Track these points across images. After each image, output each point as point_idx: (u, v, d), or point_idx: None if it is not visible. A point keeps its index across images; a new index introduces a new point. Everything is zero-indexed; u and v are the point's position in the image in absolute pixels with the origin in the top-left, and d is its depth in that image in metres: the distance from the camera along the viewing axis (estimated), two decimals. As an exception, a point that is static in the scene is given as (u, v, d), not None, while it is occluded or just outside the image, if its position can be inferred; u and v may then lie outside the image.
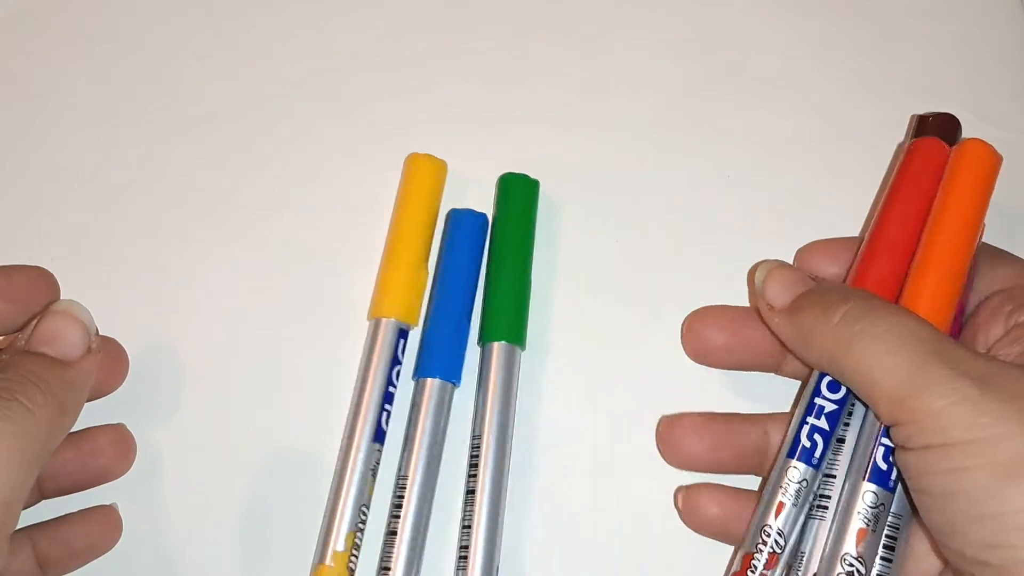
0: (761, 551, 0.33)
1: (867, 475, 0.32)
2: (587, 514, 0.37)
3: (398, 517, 0.35)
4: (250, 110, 0.43)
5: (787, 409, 0.37)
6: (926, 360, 0.30)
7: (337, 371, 0.38)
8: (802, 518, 0.33)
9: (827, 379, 0.34)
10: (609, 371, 0.39)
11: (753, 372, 0.38)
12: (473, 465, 0.36)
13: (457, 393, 0.38)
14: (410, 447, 0.36)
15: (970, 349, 0.31)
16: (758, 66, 0.43)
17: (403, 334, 0.38)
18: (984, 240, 0.36)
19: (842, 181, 0.41)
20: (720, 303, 0.38)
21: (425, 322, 0.38)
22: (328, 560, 0.35)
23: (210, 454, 0.38)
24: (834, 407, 0.34)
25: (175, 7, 0.45)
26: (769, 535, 0.33)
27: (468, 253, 0.39)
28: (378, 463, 0.36)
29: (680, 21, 0.44)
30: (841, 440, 0.34)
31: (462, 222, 0.39)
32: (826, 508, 0.33)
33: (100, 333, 0.34)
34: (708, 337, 0.37)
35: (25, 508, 0.31)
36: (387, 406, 0.37)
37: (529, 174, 0.40)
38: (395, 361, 0.37)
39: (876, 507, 0.32)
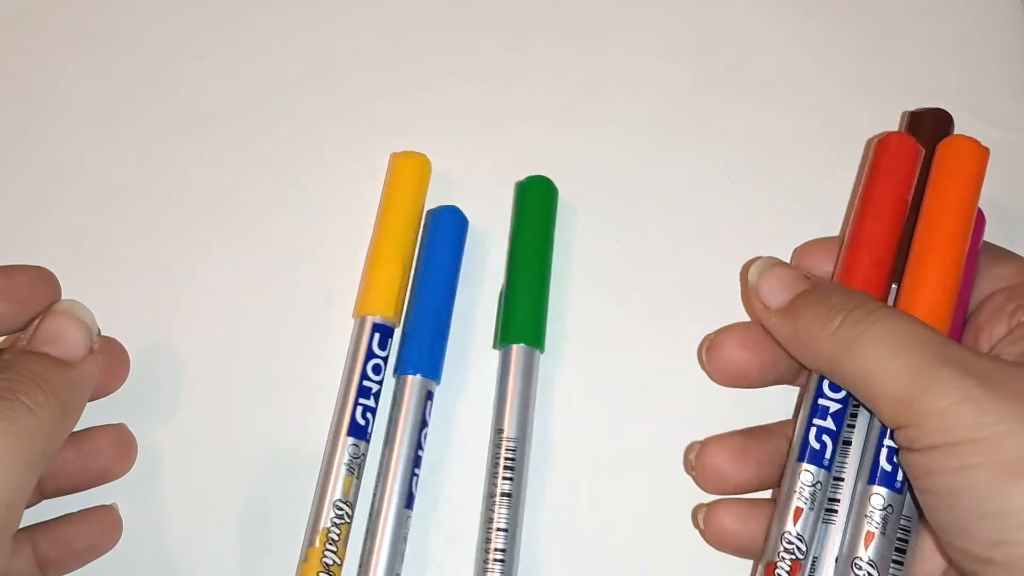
0: (784, 559, 0.32)
1: (873, 478, 0.32)
2: (593, 514, 0.37)
3: (379, 514, 0.35)
4: (250, 110, 0.43)
5: (789, 409, 0.37)
6: (928, 362, 0.30)
7: (337, 371, 0.38)
8: (820, 522, 0.33)
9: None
10: (609, 371, 0.39)
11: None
12: (494, 465, 0.36)
13: (457, 393, 0.38)
14: (391, 444, 0.36)
15: (972, 349, 0.31)
16: (758, 66, 0.43)
17: (387, 332, 0.38)
18: (984, 239, 0.36)
19: (842, 181, 0.41)
20: (719, 303, 0.38)
21: (405, 320, 0.38)
22: (304, 556, 0.35)
23: (210, 454, 0.38)
24: (838, 406, 0.34)
25: (175, 7, 0.45)
26: (791, 542, 0.32)
27: (448, 251, 0.39)
28: (358, 459, 0.36)
29: (680, 21, 0.44)
30: (847, 443, 0.34)
31: (441, 220, 0.39)
32: (835, 512, 0.33)
33: (101, 333, 0.34)
34: (737, 361, 0.36)
35: (26, 508, 0.31)
36: (366, 401, 0.36)
37: (529, 175, 0.40)
38: (375, 357, 0.37)
39: (884, 510, 0.32)
